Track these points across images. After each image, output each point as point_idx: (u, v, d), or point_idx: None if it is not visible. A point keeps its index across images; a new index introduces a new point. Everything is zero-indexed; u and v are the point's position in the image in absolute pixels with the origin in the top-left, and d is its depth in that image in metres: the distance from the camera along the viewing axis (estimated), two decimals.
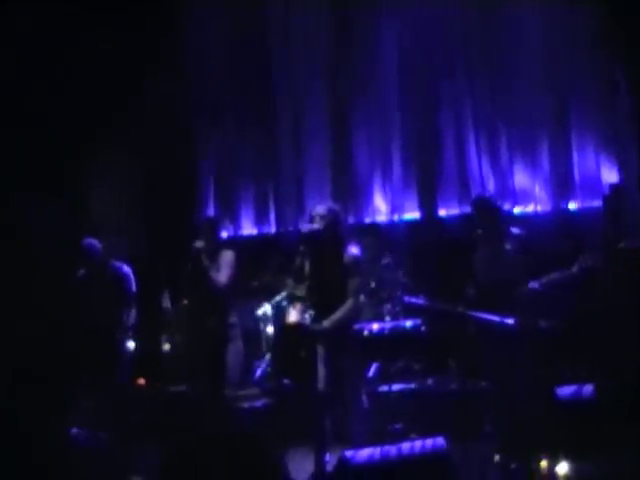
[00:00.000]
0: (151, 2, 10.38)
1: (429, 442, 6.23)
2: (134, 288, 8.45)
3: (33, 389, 7.86)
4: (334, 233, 7.21)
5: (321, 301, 7.23)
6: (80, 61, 9.84)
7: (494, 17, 10.31)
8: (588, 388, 6.52)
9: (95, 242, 8.42)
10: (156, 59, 10.39)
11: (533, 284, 7.07)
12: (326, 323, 7.10)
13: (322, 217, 7.20)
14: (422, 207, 10.67)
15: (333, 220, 7.22)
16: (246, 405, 7.35)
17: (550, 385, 6.53)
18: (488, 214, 7.52)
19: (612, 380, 6.31)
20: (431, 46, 10.57)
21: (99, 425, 7.68)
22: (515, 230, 7.46)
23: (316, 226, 7.16)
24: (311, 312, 7.31)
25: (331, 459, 6.88)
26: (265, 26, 11.10)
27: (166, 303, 8.15)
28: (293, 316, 9.46)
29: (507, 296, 6.99)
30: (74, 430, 6.94)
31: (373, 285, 9.26)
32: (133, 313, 8.45)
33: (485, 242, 7.47)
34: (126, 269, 8.48)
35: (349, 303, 7.17)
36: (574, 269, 7.06)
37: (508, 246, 7.30)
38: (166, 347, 8.53)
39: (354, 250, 7.28)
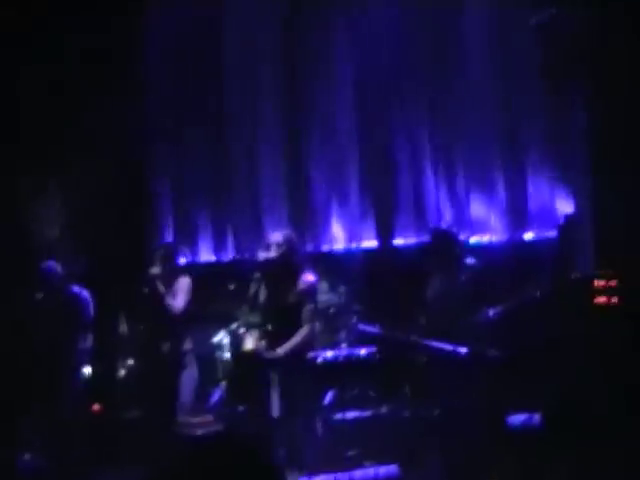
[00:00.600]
0: (104, 21, 10.31)
1: (382, 469, 6.28)
2: (92, 314, 8.41)
3: None
4: (289, 260, 7.25)
5: (276, 328, 7.27)
6: (30, 78, 9.78)
7: (451, 46, 10.41)
8: (537, 417, 6.62)
9: (54, 265, 8.36)
10: (114, 79, 10.35)
11: (487, 312, 7.14)
12: (280, 350, 7.13)
13: (278, 245, 7.24)
14: (379, 236, 10.72)
15: (289, 247, 7.26)
16: (199, 431, 7.33)
17: (500, 413, 6.61)
18: (445, 243, 7.59)
19: (560, 409, 6.41)
20: (388, 75, 10.65)
21: (48, 452, 7.67)
22: (470, 260, 7.53)
23: (272, 254, 7.21)
24: (266, 339, 7.36)
25: None
26: (219, 55, 11.12)
27: (122, 328, 8.14)
28: (249, 343, 9.47)
29: (458, 325, 7.05)
30: (22, 457, 6.92)
31: (329, 312, 9.30)
32: (90, 339, 8.40)
33: (439, 271, 7.53)
34: (85, 294, 8.44)
35: (304, 330, 7.21)
36: (523, 297, 7.14)
37: (463, 276, 7.37)
38: (121, 372, 8.50)
39: (310, 277, 7.32)
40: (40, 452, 7.50)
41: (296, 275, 7.26)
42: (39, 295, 8.36)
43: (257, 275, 7.23)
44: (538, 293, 7.13)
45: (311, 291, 7.31)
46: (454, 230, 7.84)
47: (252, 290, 7.28)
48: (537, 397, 7.18)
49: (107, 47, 10.33)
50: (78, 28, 10.04)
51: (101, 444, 8.21)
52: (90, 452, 8.09)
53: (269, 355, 7.20)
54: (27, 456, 7.00)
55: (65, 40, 10.02)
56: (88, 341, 8.37)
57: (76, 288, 8.46)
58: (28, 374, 8.02)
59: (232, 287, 9.40)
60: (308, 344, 7.38)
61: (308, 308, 7.25)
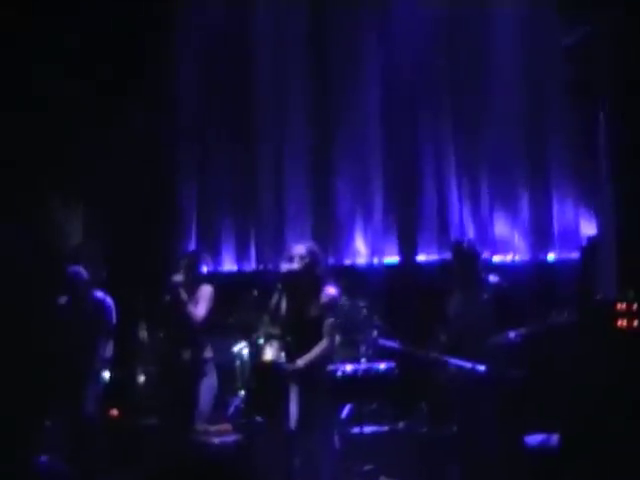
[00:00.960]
0: (131, 22, 10.38)
1: None
2: (114, 320, 8.45)
3: (3, 415, 7.86)
4: (312, 273, 7.25)
5: (296, 340, 7.26)
6: (57, 83, 9.84)
7: (478, 64, 10.43)
8: (555, 437, 6.60)
9: (81, 270, 8.41)
10: (141, 90, 10.42)
11: (509, 334, 7.12)
12: (300, 362, 7.13)
13: (301, 257, 7.24)
14: (401, 251, 10.73)
15: (312, 260, 7.26)
16: (217, 440, 7.35)
17: (518, 433, 6.60)
18: (466, 260, 7.57)
19: (578, 430, 6.39)
20: (414, 91, 10.68)
21: (66, 455, 7.70)
22: (493, 278, 7.52)
23: (295, 266, 7.22)
24: (286, 351, 7.37)
25: None
26: (247, 66, 11.17)
27: (142, 334, 8.17)
28: (268, 354, 9.50)
29: (478, 344, 7.04)
30: (40, 458, 6.94)
31: (349, 326, 9.31)
32: (110, 344, 8.44)
33: (461, 288, 7.53)
34: (109, 301, 8.47)
35: (324, 343, 7.20)
36: (549, 321, 7.12)
37: (485, 294, 7.36)
38: (141, 378, 8.54)
39: (332, 290, 7.32)
40: (58, 454, 7.51)
41: (318, 288, 7.26)
42: (63, 299, 8.41)
43: (279, 286, 7.24)
44: (562, 317, 7.08)
45: (333, 304, 7.30)
46: (476, 246, 7.80)
47: (273, 301, 7.28)
48: (555, 418, 7.17)
49: (137, 54, 10.39)
50: (108, 33, 10.11)
51: (118, 449, 8.24)
52: (107, 457, 8.13)
53: (288, 367, 7.20)
54: (44, 458, 7.02)
55: (95, 45, 10.07)
56: (109, 347, 8.41)
57: (100, 294, 8.50)
58: (49, 377, 8.06)
59: (253, 297, 9.42)
60: (328, 357, 7.37)
61: (329, 321, 7.24)
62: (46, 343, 8.14)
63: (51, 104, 9.76)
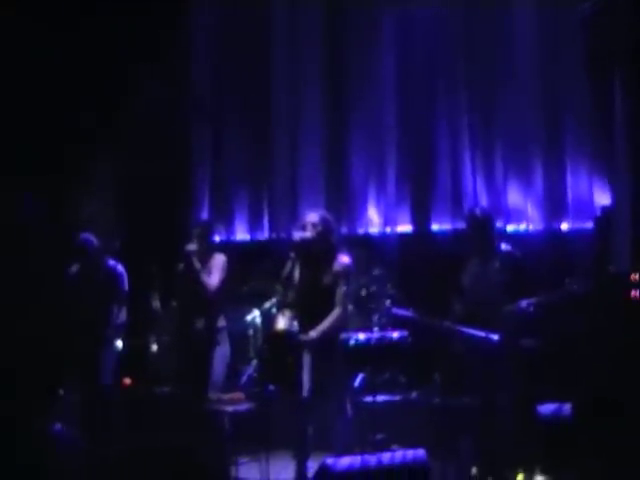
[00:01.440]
0: (148, 4, 10.38)
1: (409, 453, 6.29)
2: (126, 288, 8.48)
3: (19, 384, 7.90)
4: (325, 241, 7.26)
5: (309, 309, 7.28)
6: (75, 59, 9.84)
7: (492, 37, 10.36)
8: (567, 407, 6.58)
9: (91, 238, 8.43)
10: (153, 61, 10.41)
11: (522, 303, 7.10)
12: (313, 332, 7.15)
13: (314, 225, 7.25)
14: (415, 221, 10.70)
15: (325, 228, 7.27)
16: (230, 409, 7.37)
17: (531, 403, 6.59)
18: (480, 227, 7.54)
19: (591, 401, 6.37)
20: (429, 62, 10.62)
21: (81, 423, 7.74)
22: (505, 247, 7.49)
23: (308, 234, 7.22)
24: (298, 320, 7.39)
25: (312, 466, 6.94)
26: (264, 36, 11.14)
27: (156, 304, 8.18)
28: (281, 323, 9.49)
29: (493, 313, 7.02)
30: (55, 426, 6.97)
31: (362, 295, 9.32)
32: (123, 312, 8.47)
33: (475, 257, 7.50)
34: (120, 268, 8.51)
35: (337, 312, 7.22)
36: (562, 291, 7.09)
37: (497, 263, 7.34)
38: (154, 348, 8.56)
39: (345, 259, 7.33)
40: (72, 423, 7.55)
41: (331, 256, 7.27)
42: (75, 267, 8.43)
43: (292, 255, 7.24)
44: (575, 287, 7.05)
45: (346, 273, 7.31)
46: (490, 214, 7.77)
47: (286, 270, 7.29)
48: (569, 388, 7.16)
49: (152, 33, 10.38)
50: (123, 13, 10.10)
51: (131, 418, 8.27)
52: (121, 425, 8.17)
53: (301, 337, 7.22)
54: (58, 426, 7.05)
55: (111, 25, 10.07)
56: (122, 315, 8.45)
57: (111, 262, 8.52)
58: (63, 345, 8.10)
59: (266, 266, 9.41)
60: (340, 326, 7.39)
61: (342, 290, 7.26)
62: (58, 311, 8.17)
63: (65, 75, 9.76)
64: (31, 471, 6.47)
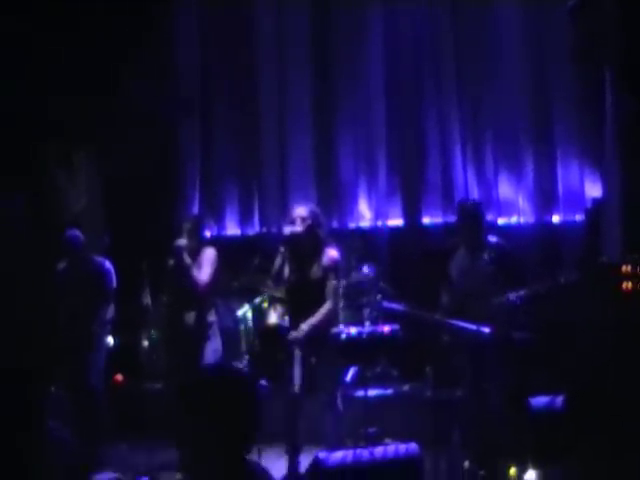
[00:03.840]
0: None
1: (402, 447, 6.28)
2: (114, 284, 8.44)
3: (9, 381, 7.86)
4: (314, 235, 7.26)
5: (299, 303, 7.27)
6: (60, 55, 9.80)
7: (480, 30, 10.36)
8: (560, 399, 6.57)
9: (78, 234, 8.39)
10: (141, 56, 10.38)
11: (510, 295, 7.08)
12: (304, 326, 7.14)
13: (303, 219, 7.24)
14: (406, 214, 10.70)
15: (314, 222, 7.27)
16: None
17: (522, 395, 6.58)
18: (470, 219, 7.52)
19: (583, 392, 6.36)
20: (418, 56, 10.62)
21: (71, 420, 7.72)
22: (493, 239, 7.48)
23: (297, 228, 7.21)
24: (289, 314, 7.38)
25: (304, 460, 6.93)
26: (252, 30, 11.12)
27: (146, 299, 8.16)
28: (272, 318, 9.51)
29: (481, 304, 7.01)
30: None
31: (353, 289, 9.32)
32: (111, 309, 8.43)
33: (464, 249, 7.49)
34: (108, 265, 8.47)
35: (327, 306, 7.21)
36: (549, 282, 7.07)
37: (486, 255, 7.32)
38: (145, 343, 8.55)
39: (333, 253, 7.32)
40: (62, 420, 7.53)
41: (320, 250, 7.26)
42: (62, 264, 8.39)
43: (281, 249, 7.23)
44: (563, 278, 7.03)
45: (335, 266, 7.31)
46: (480, 206, 7.76)
47: (276, 264, 7.29)
48: (561, 380, 7.15)
49: (137, 25, 10.35)
50: (109, 8, 10.07)
51: (122, 414, 8.26)
52: (112, 422, 8.15)
53: (292, 330, 7.21)
54: (50, 424, 7.03)
55: (97, 18, 10.03)
56: (110, 311, 8.41)
57: (99, 258, 8.49)
58: (51, 342, 8.07)
59: (257, 261, 9.40)
60: (331, 320, 7.38)
61: (332, 284, 7.25)
62: (46, 308, 8.15)
63: (51, 71, 9.72)
64: (19, 468, 6.45)
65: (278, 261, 7.26)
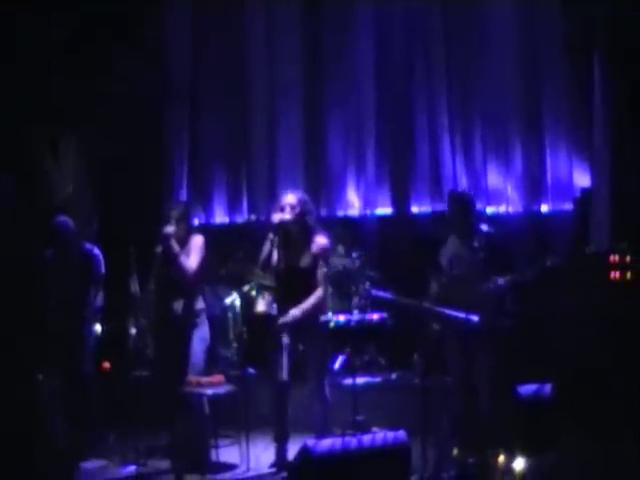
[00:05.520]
0: None
1: (390, 435, 6.29)
2: (103, 270, 8.42)
3: None
4: (303, 222, 7.25)
5: (288, 290, 7.26)
6: (48, 38, 9.74)
7: (470, 16, 10.34)
8: (548, 387, 6.60)
9: (67, 220, 8.35)
10: (130, 42, 10.33)
11: (499, 280, 7.08)
12: (295, 310, 7.13)
13: (292, 206, 7.24)
14: (394, 203, 10.69)
15: (302, 209, 7.26)
16: (209, 391, 7.33)
17: (511, 383, 6.60)
18: (461, 208, 7.51)
19: (570, 380, 6.39)
20: (407, 43, 10.61)
21: (60, 406, 7.70)
22: (484, 227, 7.47)
23: (286, 215, 7.20)
24: (278, 302, 7.37)
25: (292, 448, 6.93)
26: (242, 17, 11.10)
27: (134, 286, 8.12)
28: (260, 306, 9.51)
29: (470, 292, 7.00)
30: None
31: (342, 277, 9.32)
32: (100, 295, 8.41)
33: (454, 237, 7.48)
34: (96, 251, 8.45)
35: (316, 293, 7.20)
36: (535, 267, 7.07)
37: (475, 243, 7.31)
38: (132, 331, 8.51)
39: (323, 240, 7.31)
40: (53, 407, 7.54)
41: (310, 237, 7.25)
42: (50, 250, 8.36)
43: (270, 236, 7.21)
44: (549, 263, 7.03)
45: (324, 254, 7.31)
46: (470, 195, 7.75)
47: (265, 251, 7.27)
48: (549, 367, 7.17)
49: (125, 10, 10.28)
50: None
51: (111, 402, 8.24)
52: (101, 409, 8.14)
53: (281, 318, 7.20)
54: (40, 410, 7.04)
55: (85, 4, 9.97)
56: (99, 298, 8.40)
57: (88, 245, 8.47)
58: (38, 329, 8.04)
59: (245, 249, 9.38)
60: (320, 308, 7.37)
61: (321, 271, 7.25)
62: (34, 295, 8.11)
63: (38, 53, 9.67)
64: (11, 456, 6.44)
65: (266, 248, 7.25)
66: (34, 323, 8.03)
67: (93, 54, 10.10)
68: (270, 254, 7.23)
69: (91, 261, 8.34)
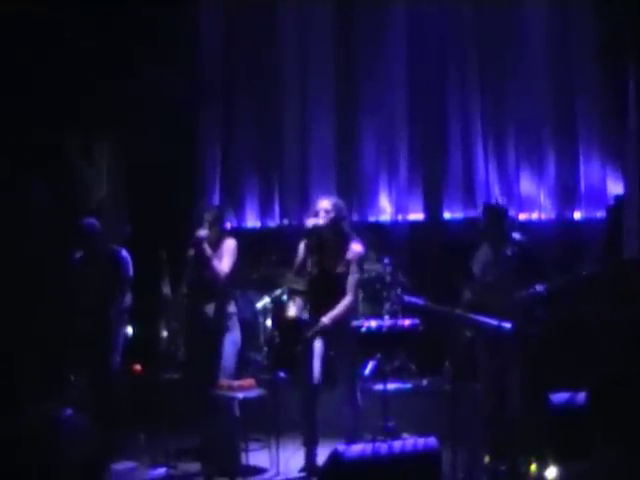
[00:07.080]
0: None
1: (421, 441, 6.26)
2: (131, 273, 8.43)
3: (25, 367, 7.90)
4: (337, 228, 7.24)
5: (320, 296, 7.24)
6: (82, 43, 9.80)
7: (503, 21, 10.32)
8: (581, 395, 6.54)
9: (94, 222, 8.37)
10: (163, 45, 10.38)
11: (538, 287, 7.04)
12: (325, 318, 7.13)
13: (326, 211, 7.22)
14: (427, 209, 10.67)
15: (337, 215, 7.24)
16: (240, 395, 7.34)
17: (544, 390, 6.55)
18: (495, 217, 7.48)
19: (605, 388, 6.32)
20: (441, 50, 10.58)
21: (87, 407, 7.73)
22: (517, 235, 7.44)
23: (320, 221, 7.19)
24: (309, 307, 7.36)
25: (322, 453, 6.92)
26: (273, 14, 11.12)
27: (166, 289, 8.14)
28: (292, 310, 9.50)
29: (503, 300, 6.97)
30: (64, 411, 6.97)
31: (374, 283, 9.32)
32: (128, 298, 8.43)
33: (487, 245, 7.45)
34: (124, 253, 8.46)
35: (348, 299, 7.19)
36: (572, 275, 7.04)
37: (508, 251, 7.29)
38: (164, 334, 8.54)
39: (358, 247, 7.30)
40: (82, 408, 7.55)
41: (344, 243, 7.24)
42: (79, 252, 8.39)
43: (304, 241, 7.21)
44: (585, 272, 6.99)
45: (358, 260, 7.29)
46: (505, 204, 7.72)
47: (300, 257, 7.27)
48: (582, 375, 7.12)
49: (159, 13, 10.33)
50: None
51: (141, 404, 8.26)
52: (130, 411, 8.17)
53: (312, 323, 7.19)
54: (69, 411, 7.05)
55: (118, 8, 10.02)
56: (127, 300, 8.42)
57: (116, 247, 8.49)
58: (67, 330, 8.09)
59: (277, 253, 9.38)
60: (352, 313, 7.36)
61: (354, 277, 7.24)
62: (62, 296, 8.16)
63: (72, 57, 9.73)
64: (35, 455, 6.47)
65: (301, 253, 7.25)
66: (61, 324, 8.09)
67: (126, 59, 10.15)
68: (305, 259, 7.22)
69: (118, 263, 8.35)
